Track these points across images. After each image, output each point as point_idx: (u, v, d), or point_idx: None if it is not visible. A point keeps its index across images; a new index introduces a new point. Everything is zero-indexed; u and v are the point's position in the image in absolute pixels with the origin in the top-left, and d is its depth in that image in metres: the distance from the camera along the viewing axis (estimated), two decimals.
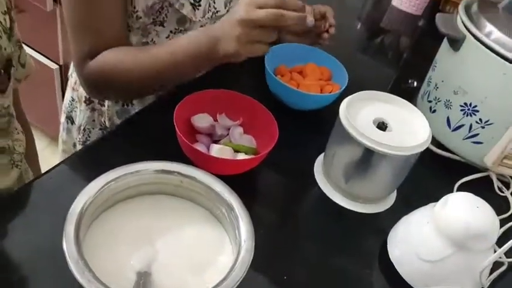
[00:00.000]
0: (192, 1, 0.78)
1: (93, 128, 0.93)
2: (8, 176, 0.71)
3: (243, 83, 0.87)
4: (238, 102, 0.76)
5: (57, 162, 1.06)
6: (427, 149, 0.69)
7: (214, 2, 0.82)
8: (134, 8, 0.76)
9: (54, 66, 1.47)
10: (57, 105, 1.55)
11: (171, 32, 0.81)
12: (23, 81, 0.74)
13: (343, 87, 0.84)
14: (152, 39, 0.81)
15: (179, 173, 0.56)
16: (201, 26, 0.83)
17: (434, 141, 0.83)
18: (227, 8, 0.85)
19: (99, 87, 0.79)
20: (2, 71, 0.62)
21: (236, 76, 0.86)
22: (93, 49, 0.74)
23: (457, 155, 0.84)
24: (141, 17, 0.77)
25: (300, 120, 0.85)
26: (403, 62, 1.20)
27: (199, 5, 0.79)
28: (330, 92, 0.85)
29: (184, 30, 0.81)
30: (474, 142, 0.80)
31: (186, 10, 0.78)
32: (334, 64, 0.90)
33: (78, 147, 0.96)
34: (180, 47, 0.72)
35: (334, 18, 0.89)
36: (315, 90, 0.84)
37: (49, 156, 1.45)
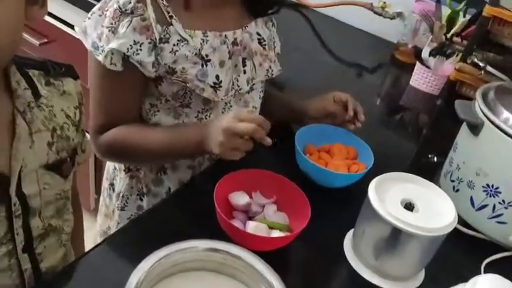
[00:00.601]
0: (212, 84, 0.85)
1: (130, 195, 0.99)
2: (55, 255, 0.74)
3: (275, 163, 0.93)
4: (271, 181, 0.82)
5: (94, 227, 1.11)
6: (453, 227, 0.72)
7: (237, 81, 0.90)
8: (161, 94, 0.86)
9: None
10: (89, 175, 1.62)
11: (198, 112, 0.89)
12: (82, 164, 0.80)
13: (369, 167, 0.89)
14: (183, 121, 0.89)
15: (227, 252, 0.61)
16: (226, 104, 0.91)
17: (460, 219, 0.85)
18: (249, 86, 0.92)
19: (109, 157, 0.93)
20: (69, 159, 0.69)
21: (269, 156, 0.92)
22: (107, 125, 0.86)
23: (482, 234, 0.87)
24: (169, 100, 0.86)
25: (328, 197, 0.89)
26: (422, 138, 1.25)
27: (220, 86, 0.86)
28: (357, 171, 0.90)
29: (210, 109, 0.89)
30: (498, 222, 0.83)
31: (207, 93, 0.85)
32: (359, 144, 0.95)
33: (116, 212, 1.02)
34: (179, 138, 0.84)
35: (353, 108, 0.96)
36: (343, 170, 0.90)
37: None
